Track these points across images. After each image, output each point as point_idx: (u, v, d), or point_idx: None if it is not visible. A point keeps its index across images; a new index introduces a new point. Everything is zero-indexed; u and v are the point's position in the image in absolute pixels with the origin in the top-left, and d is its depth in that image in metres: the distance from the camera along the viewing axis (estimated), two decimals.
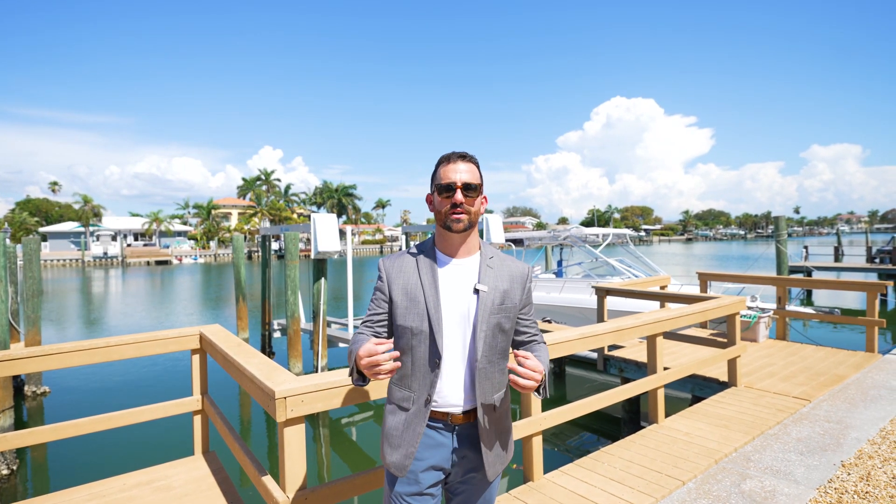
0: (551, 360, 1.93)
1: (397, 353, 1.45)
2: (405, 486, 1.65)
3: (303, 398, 2.18)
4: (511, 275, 1.72)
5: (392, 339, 1.70)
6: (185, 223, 70.34)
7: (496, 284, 1.67)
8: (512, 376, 1.50)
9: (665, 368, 4.39)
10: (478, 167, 1.69)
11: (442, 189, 1.63)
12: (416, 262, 1.69)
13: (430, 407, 1.63)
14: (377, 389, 2.40)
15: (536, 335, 1.81)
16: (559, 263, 14.77)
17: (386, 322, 1.70)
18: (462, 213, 1.62)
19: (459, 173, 1.62)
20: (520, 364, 1.50)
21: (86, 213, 59.30)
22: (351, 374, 1.58)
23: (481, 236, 10.43)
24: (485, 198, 1.71)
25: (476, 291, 1.64)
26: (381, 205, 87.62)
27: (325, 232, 9.83)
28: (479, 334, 1.62)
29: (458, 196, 1.60)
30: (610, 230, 13.89)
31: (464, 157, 1.65)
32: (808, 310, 9.98)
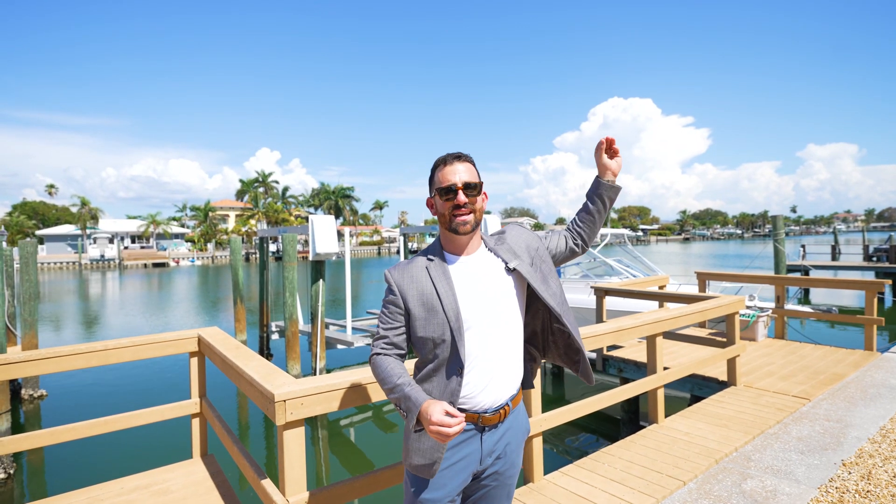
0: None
1: (464, 425, 1.44)
2: (431, 493, 1.60)
3: (302, 401, 2.17)
4: (518, 236, 1.78)
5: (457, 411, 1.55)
6: (182, 225, 70.16)
7: (518, 252, 1.71)
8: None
9: (664, 368, 4.38)
10: (474, 165, 1.69)
11: (443, 192, 1.62)
12: (427, 269, 1.65)
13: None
14: (377, 392, 2.39)
15: (565, 228, 1.90)
16: None
17: (404, 334, 1.66)
18: (467, 213, 1.61)
19: (458, 174, 1.62)
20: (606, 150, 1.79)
21: (83, 216, 59.09)
22: (406, 415, 1.51)
23: None
24: (485, 194, 1.71)
25: (511, 270, 1.67)
26: (379, 206, 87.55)
27: (323, 233, 9.82)
28: (546, 297, 1.67)
29: (461, 197, 1.60)
30: (608, 230, 13.91)
31: (459, 157, 1.65)
32: (807, 308, 10.00)
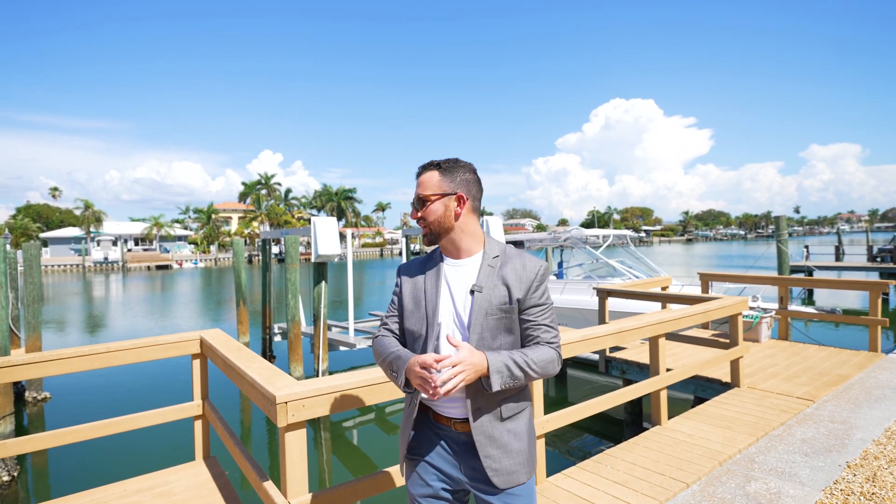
0: None
1: (450, 369, 1.41)
2: (417, 488, 1.69)
3: (304, 403, 2.17)
4: (516, 274, 1.61)
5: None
6: (185, 228, 70.38)
7: (495, 283, 1.60)
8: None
9: (667, 370, 4.37)
10: (439, 171, 1.62)
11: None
12: (426, 266, 1.73)
13: (419, 410, 1.70)
14: (379, 394, 2.39)
15: (538, 337, 1.62)
16: (560, 265, 14.76)
17: (399, 323, 1.76)
18: (423, 226, 1.65)
19: (417, 188, 1.66)
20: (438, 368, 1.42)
21: (87, 219, 59.32)
22: (396, 379, 1.57)
23: None
24: (459, 196, 1.61)
25: (472, 292, 1.62)
26: (381, 208, 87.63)
27: (326, 235, 9.83)
28: (472, 336, 1.57)
29: (414, 212, 1.66)
30: (610, 231, 13.91)
31: (422, 168, 1.67)
32: (810, 309, 9.96)
